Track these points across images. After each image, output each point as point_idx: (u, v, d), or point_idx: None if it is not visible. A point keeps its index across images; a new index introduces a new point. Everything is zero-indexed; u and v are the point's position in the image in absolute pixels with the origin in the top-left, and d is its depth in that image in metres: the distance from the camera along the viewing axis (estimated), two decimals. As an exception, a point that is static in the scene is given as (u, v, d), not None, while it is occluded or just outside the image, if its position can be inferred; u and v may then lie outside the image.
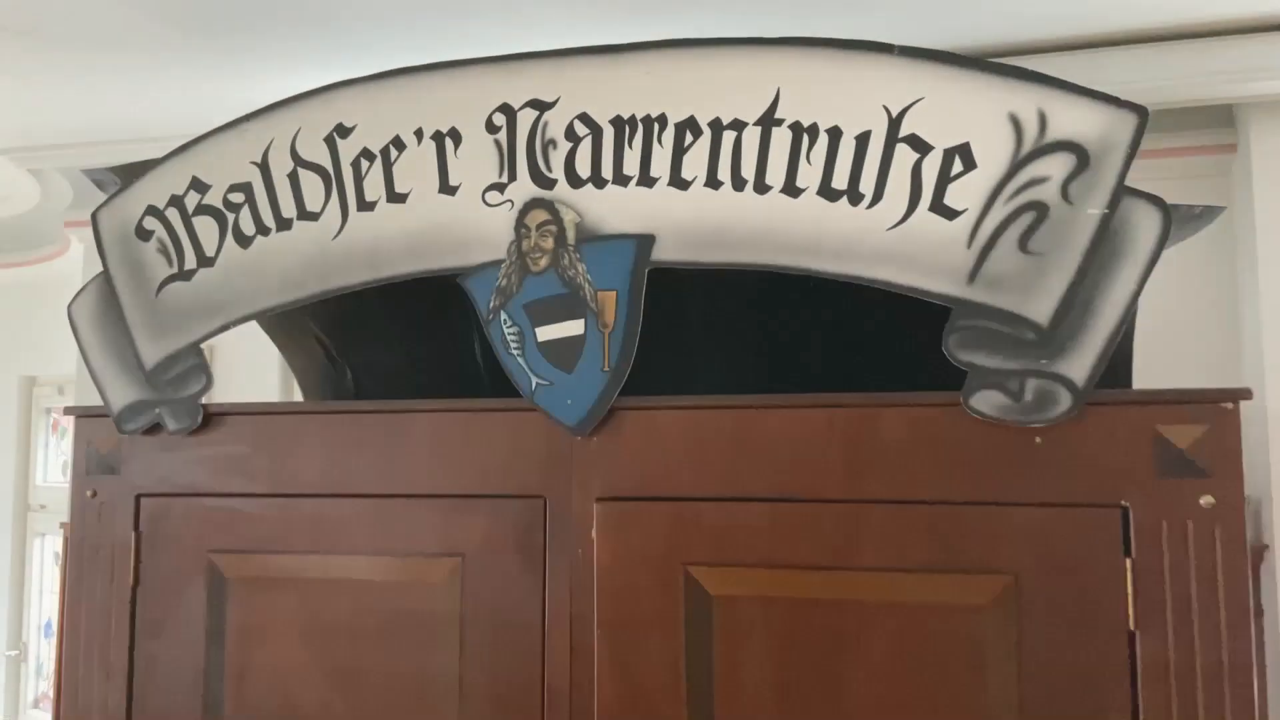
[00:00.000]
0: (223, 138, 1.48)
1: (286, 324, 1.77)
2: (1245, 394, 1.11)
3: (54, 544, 3.04)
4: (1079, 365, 1.13)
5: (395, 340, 1.76)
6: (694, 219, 1.27)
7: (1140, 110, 1.14)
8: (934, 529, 1.21)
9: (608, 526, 1.31)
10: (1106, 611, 1.14)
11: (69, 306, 1.52)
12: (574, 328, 1.32)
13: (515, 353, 1.34)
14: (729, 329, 1.46)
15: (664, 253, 1.28)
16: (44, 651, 3.06)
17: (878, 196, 1.21)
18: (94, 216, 1.52)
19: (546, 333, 1.33)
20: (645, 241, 1.29)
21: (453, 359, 1.71)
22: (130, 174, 1.53)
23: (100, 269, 1.53)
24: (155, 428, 1.48)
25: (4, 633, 3.06)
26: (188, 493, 1.47)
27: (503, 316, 1.34)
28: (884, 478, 1.23)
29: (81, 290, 1.52)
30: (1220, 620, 1.11)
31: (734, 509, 1.27)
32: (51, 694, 3.07)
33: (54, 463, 3.08)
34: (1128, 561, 1.13)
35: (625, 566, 1.30)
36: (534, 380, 1.33)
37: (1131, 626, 1.13)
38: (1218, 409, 1.12)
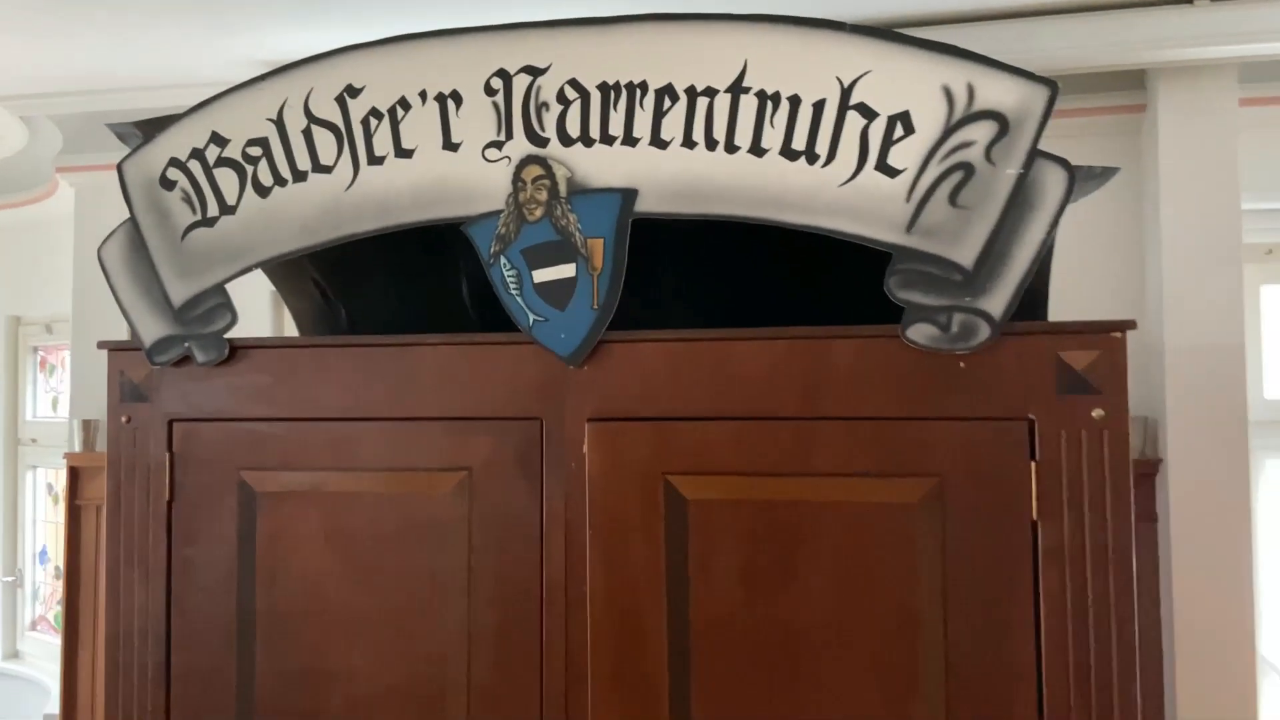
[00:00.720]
0: (238, 96, 1.60)
1: (285, 267, 1.89)
2: (1131, 325, 1.32)
3: (45, 476, 3.14)
4: (997, 301, 1.33)
5: (387, 282, 1.90)
6: (672, 175, 1.44)
7: (1052, 85, 1.32)
8: (875, 440, 1.41)
9: (597, 443, 1.49)
10: (1014, 506, 1.35)
11: (99, 249, 1.64)
12: (566, 271, 1.48)
13: (514, 293, 1.51)
14: (701, 272, 1.63)
15: (646, 205, 1.44)
16: (39, 577, 3.18)
17: (831, 156, 1.39)
18: (119, 167, 1.63)
19: (542, 275, 1.50)
20: (629, 195, 1.45)
21: (441, 298, 1.86)
22: (151, 128, 1.64)
23: (119, 216, 1.65)
24: (184, 360, 1.62)
25: (0, 560, 3.18)
26: (217, 417, 1.62)
27: (503, 260, 1.50)
28: (834, 398, 1.42)
29: (110, 235, 1.64)
30: (1107, 512, 1.34)
31: (707, 426, 1.46)
32: (48, 616, 3.21)
33: (43, 399, 3.16)
34: (1033, 464, 1.35)
35: (613, 477, 1.49)
36: (531, 317, 1.50)
37: (1035, 517, 1.35)
38: (1108, 338, 1.33)
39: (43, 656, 3.08)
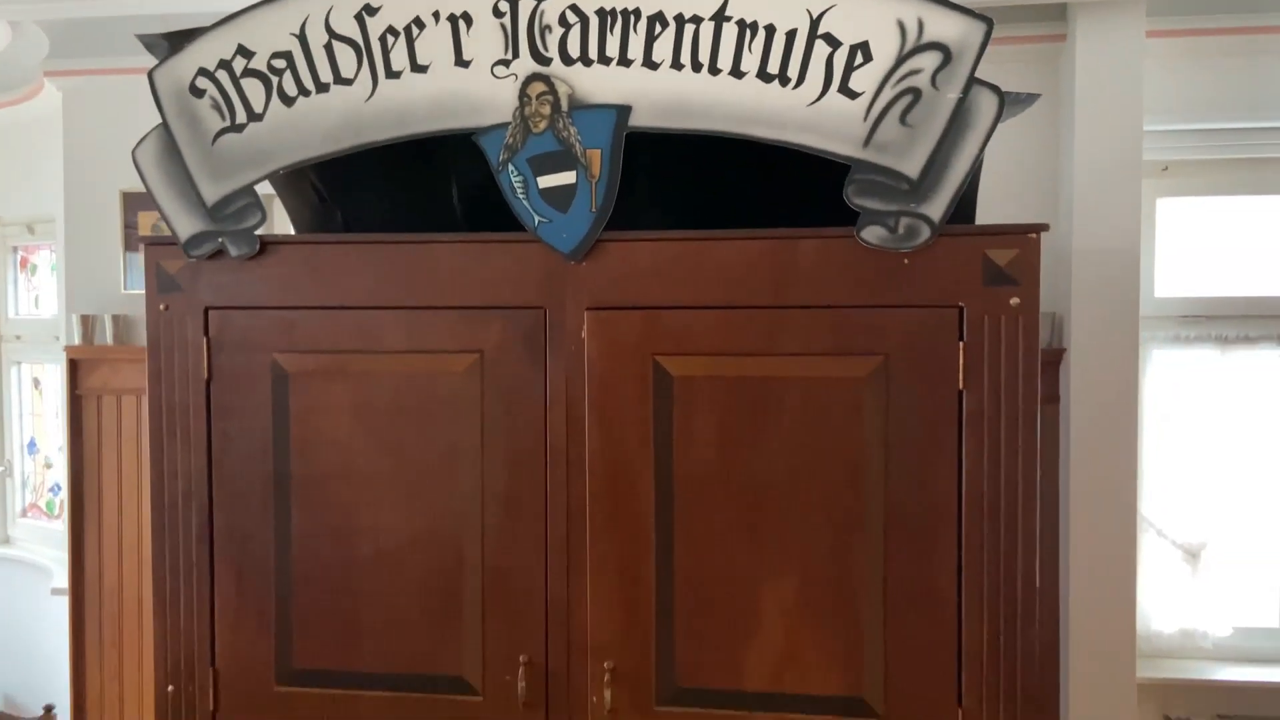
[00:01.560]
0: (262, 12, 1.71)
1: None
2: (1044, 227, 1.57)
3: (30, 371, 3.22)
4: (936, 207, 1.56)
5: (381, 187, 2.04)
6: (662, 94, 1.62)
7: (989, 21, 1.53)
8: (832, 324, 1.64)
9: (594, 329, 1.71)
10: (945, 378, 1.61)
11: (133, 151, 1.76)
12: (568, 178, 1.67)
13: (521, 197, 1.69)
14: (687, 182, 1.83)
15: (639, 119, 1.63)
16: (28, 467, 3.29)
17: (801, 80, 1.58)
18: (150, 76, 1.74)
19: (546, 181, 1.68)
20: (624, 110, 1.63)
21: (430, 202, 2.02)
22: (178, 39, 1.75)
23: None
24: (217, 254, 1.77)
25: (-13, 452, 3.29)
26: (250, 306, 1.78)
27: (510, 168, 1.68)
28: (799, 289, 1.64)
29: (143, 138, 1.76)
30: (1018, 381, 1.60)
31: (690, 314, 1.68)
32: (39, 503, 3.34)
33: (24, 297, 3.22)
34: (961, 344, 1.60)
35: (608, 357, 1.70)
36: (536, 218, 1.69)
37: (961, 387, 1.61)
38: (1026, 238, 1.58)
39: (36, 540, 3.22)
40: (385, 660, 1.79)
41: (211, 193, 1.75)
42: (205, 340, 1.79)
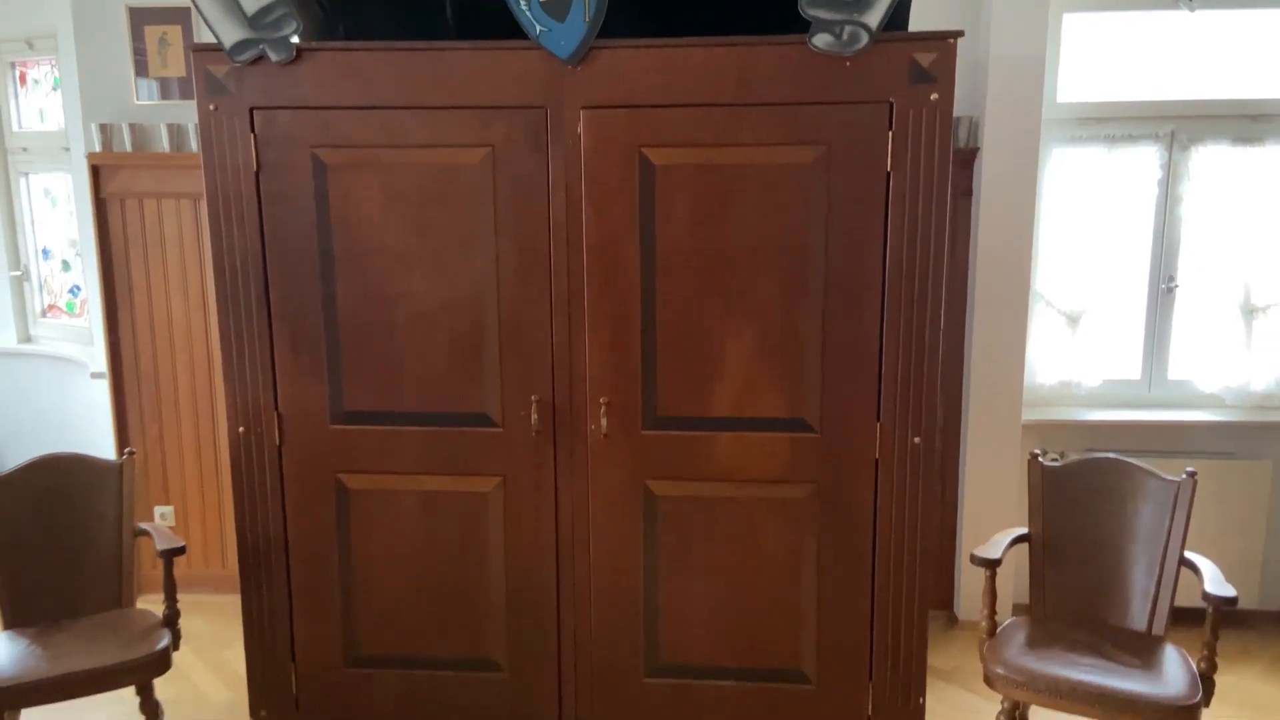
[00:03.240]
0: None
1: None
2: (960, 34, 1.86)
3: (40, 181, 3.36)
4: (875, 17, 1.84)
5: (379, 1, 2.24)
6: (646, -85, 1.85)
7: None
8: (784, 119, 1.95)
9: (589, 125, 1.99)
10: (876, 162, 1.94)
11: (176, -34, 1.94)
12: (564, -9, 1.91)
13: (524, 8, 1.92)
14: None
15: (626, -62, 1.86)
16: (44, 271, 3.49)
17: (764, -95, 1.82)
18: (186, -106, 1.91)
19: (545, -6, 1.92)
20: (613, -71, 1.86)
21: (425, 15, 2.22)
22: None
23: None
24: (258, 60, 1.99)
25: (4, 258, 3.45)
26: (290, 105, 2.02)
27: (515, -18, 1.91)
28: (758, 89, 1.94)
29: (184, -46, 1.94)
30: (934, 164, 1.94)
31: (669, 111, 1.96)
32: (58, 303, 3.56)
33: (28, 111, 3.31)
34: (889, 133, 1.93)
35: (600, 150, 2.00)
36: (538, 28, 1.93)
37: (889, 170, 1.95)
38: (945, 42, 1.88)
39: (58, 338, 3.46)
40: (421, 402, 2.15)
41: (251, 3, 1.95)
42: (252, 136, 2.04)
